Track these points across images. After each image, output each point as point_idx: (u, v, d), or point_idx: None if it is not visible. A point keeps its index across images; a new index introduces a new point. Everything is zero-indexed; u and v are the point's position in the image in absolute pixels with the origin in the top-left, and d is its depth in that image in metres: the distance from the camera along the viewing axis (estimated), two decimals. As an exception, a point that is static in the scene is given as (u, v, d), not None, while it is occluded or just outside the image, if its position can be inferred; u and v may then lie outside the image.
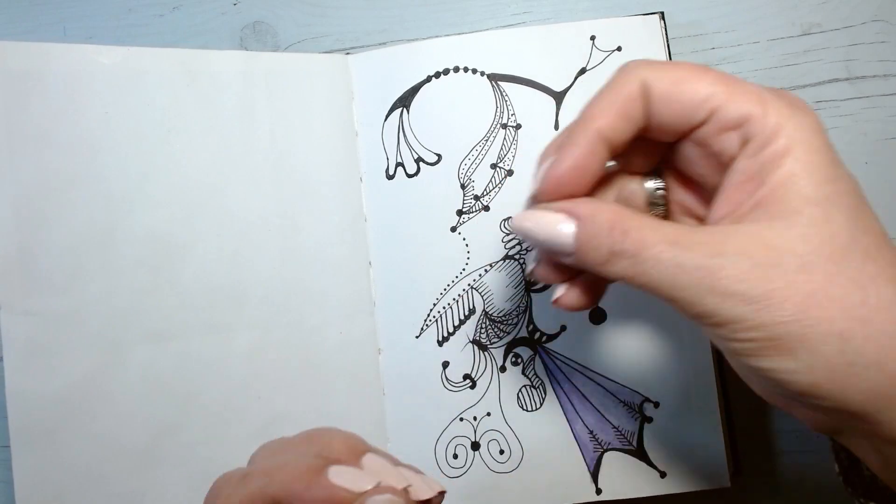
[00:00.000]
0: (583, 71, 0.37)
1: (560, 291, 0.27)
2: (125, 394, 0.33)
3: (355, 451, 0.24)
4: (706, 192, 0.26)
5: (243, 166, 0.36)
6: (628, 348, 0.37)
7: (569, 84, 0.37)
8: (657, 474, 0.36)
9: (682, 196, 0.27)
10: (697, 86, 0.23)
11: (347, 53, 0.40)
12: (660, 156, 0.27)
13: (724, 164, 0.24)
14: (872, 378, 0.21)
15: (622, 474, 0.37)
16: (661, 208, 0.27)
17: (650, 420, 0.37)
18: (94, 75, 0.34)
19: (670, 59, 0.37)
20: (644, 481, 0.37)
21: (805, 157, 0.22)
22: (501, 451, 0.37)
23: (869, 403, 0.21)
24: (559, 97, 0.37)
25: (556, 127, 0.37)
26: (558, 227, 0.24)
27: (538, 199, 0.26)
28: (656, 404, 0.37)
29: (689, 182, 0.27)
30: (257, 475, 0.23)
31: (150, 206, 0.34)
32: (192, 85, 0.35)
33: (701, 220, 0.27)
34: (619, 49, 0.37)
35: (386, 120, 0.38)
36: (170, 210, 0.35)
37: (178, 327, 0.34)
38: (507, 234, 0.38)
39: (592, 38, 0.37)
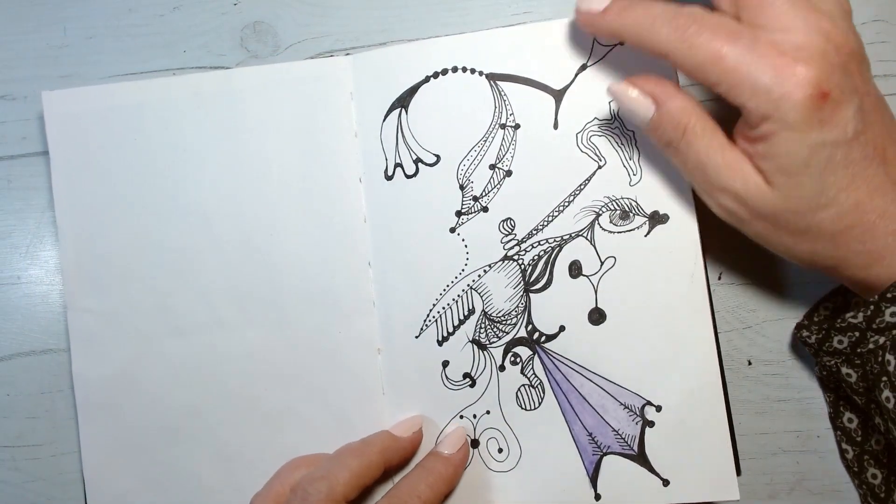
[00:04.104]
0: (584, 67, 0.37)
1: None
2: (157, 380, 0.39)
3: None
4: None
5: (250, 175, 0.39)
6: (629, 349, 0.36)
7: (569, 82, 0.37)
8: (660, 482, 0.36)
9: None
10: None
11: (347, 53, 0.39)
12: None
13: None
14: None
15: (623, 481, 0.36)
16: None
17: (652, 424, 0.36)
18: (120, 111, 0.39)
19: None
20: (646, 489, 0.36)
21: None
22: (500, 450, 0.37)
23: None
24: (559, 95, 0.37)
25: (556, 126, 0.37)
26: (642, 110, 0.31)
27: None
28: (658, 408, 0.36)
29: None
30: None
31: (173, 220, 0.39)
32: (201, 107, 0.39)
33: None
34: (621, 43, 0.36)
35: (384, 121, 0.38)
36: (188, 222, 0.39)
37: (197, 324, 0.39)
38: (506, 235, 0.37)
39: (593, 33, 0.37)
